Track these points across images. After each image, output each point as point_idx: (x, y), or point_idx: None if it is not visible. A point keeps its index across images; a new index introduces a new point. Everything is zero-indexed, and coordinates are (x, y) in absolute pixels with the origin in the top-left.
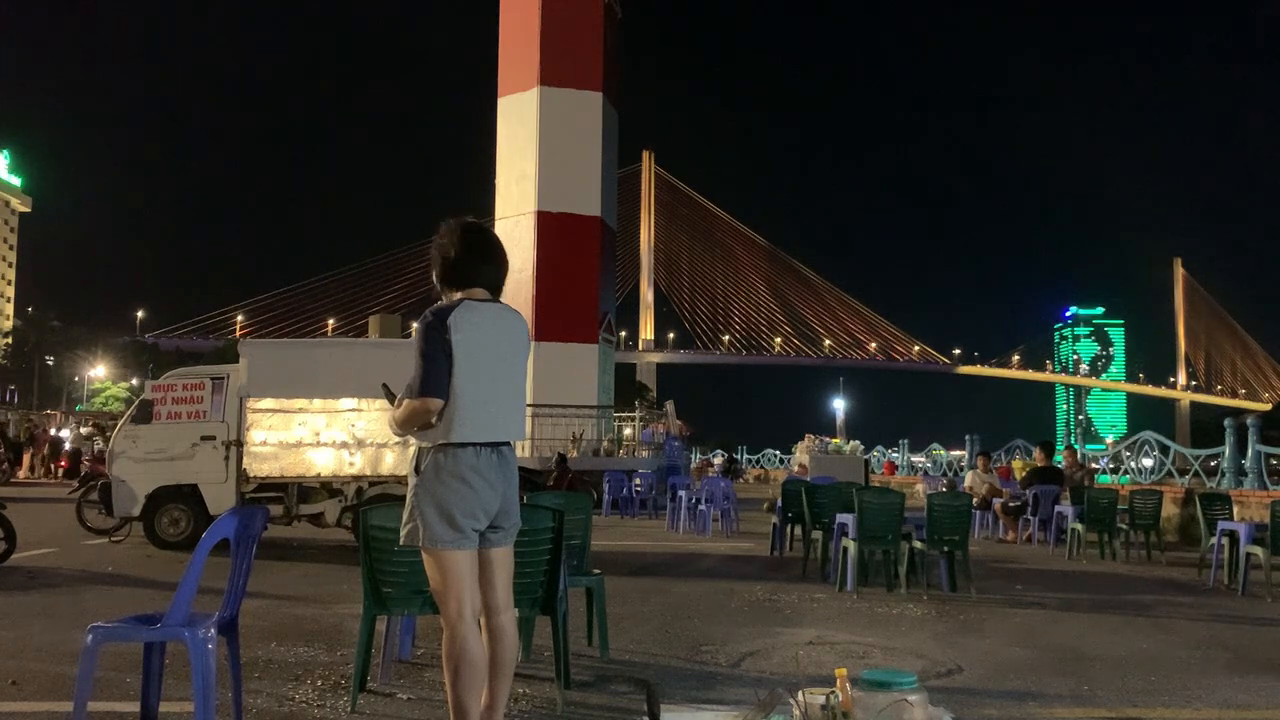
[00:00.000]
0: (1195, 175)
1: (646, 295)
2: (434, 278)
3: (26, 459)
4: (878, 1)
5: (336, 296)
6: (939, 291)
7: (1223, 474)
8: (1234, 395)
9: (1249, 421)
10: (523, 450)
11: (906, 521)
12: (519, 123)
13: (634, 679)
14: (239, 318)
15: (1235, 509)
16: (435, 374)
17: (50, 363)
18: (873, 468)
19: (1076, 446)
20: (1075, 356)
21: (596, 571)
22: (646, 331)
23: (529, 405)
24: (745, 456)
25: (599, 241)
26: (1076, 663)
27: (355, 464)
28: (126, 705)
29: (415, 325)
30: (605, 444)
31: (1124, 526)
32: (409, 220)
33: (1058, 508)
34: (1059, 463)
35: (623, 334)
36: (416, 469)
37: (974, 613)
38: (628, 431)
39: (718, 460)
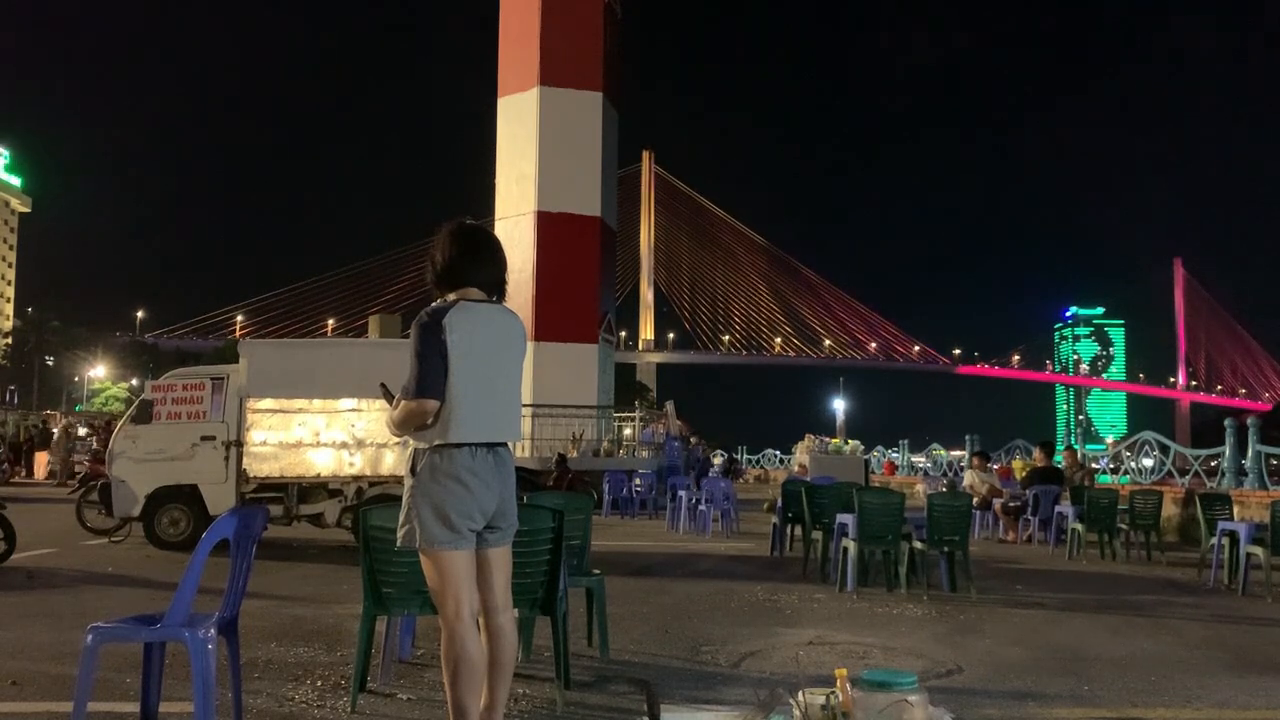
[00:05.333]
0: (1195, 175)
1: (646, 295)
2: (428, 280)
3: (44, 459)
4: (879, 3)
5: (336, 296)
6: (939, 291)
7: (1223, 474)
8: (1234, 395)
9: (1249, 421)
10: (522, 450)
11: (907, 522)
12: (519, 123)
13: (634, 679)
14: (239, 318)
15: (1235, 509)
16: (431, 375)
17: (50, 363)
18: (873, 468)
19: (1076, 446)
20: (1075, 356)
21: (596, 571)
22: (646, 331)
23: (528, 405)
24: (745, 456)
25: (599, 241)
26: (1076, 663)
27: (355, 464)
28: (126, 705)
29: (412, 325)
30: (605, 444)
31: (1124, 526)
32: (409, 220)
33: (1058, 508)
34: (1059, 463)
35: (623, 334)
36: (412, 470)
37: (974, 613)
38: (628, 431)
39: (718, 460)
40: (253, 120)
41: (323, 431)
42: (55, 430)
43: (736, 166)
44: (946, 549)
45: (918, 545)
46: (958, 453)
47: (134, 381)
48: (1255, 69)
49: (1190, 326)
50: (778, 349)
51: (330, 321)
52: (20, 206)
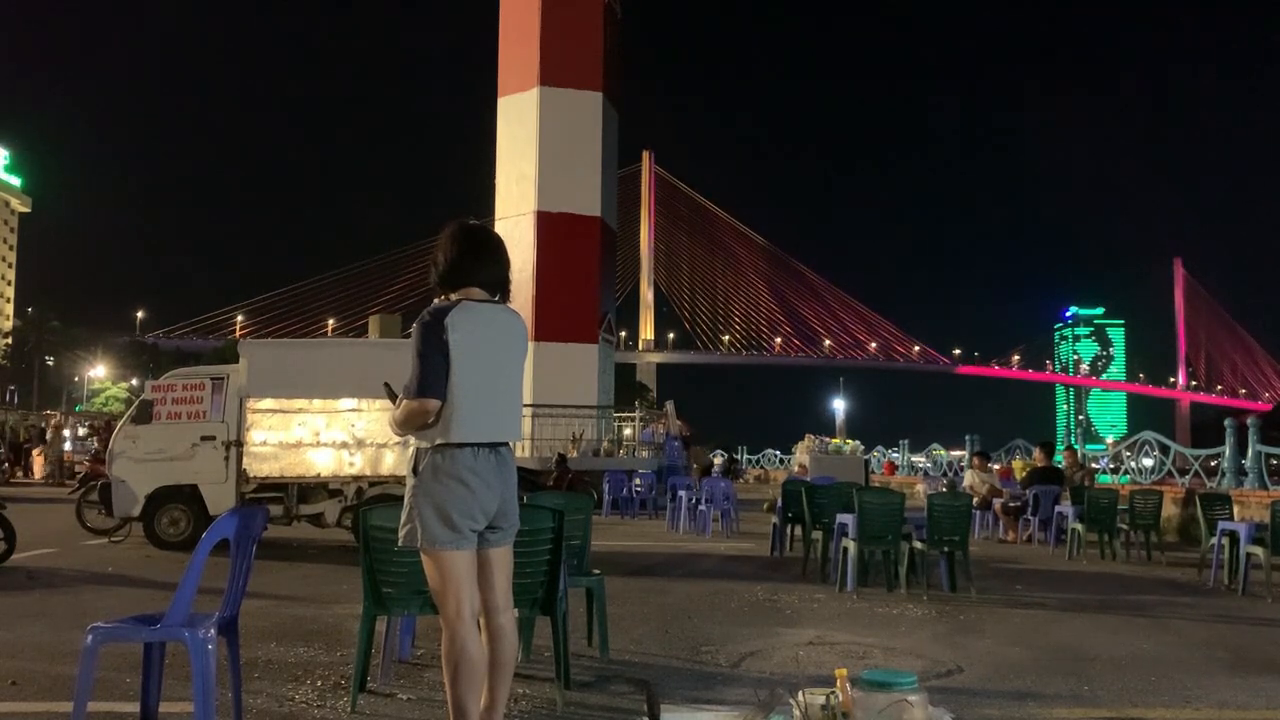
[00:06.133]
0: (1195, 175)
1: (646, 295)
2: (432, 281)
3: (40, 459)
4: (878, 4)
5: (336, 296)
6: (939, 291)
7: (1223, 474)
8: (1234, 395)
9: (1249, 421)
10: (523, 450)
11: (907, 521)
12: (519, 123)
13: (634, 679)
14: (239, 318)
15: (1235, 509)
16: (433, 374)
17: (50, 363)
18: (873, 468)
19: (1076, 446)
20: (1075, 356)
21: (596, 571)
22: (646, 331)
23: (528, 405)
24: (745, 457)
25: (599, 241)
26: (1076, 663)
27: (355, 464)
28: (126, 705)
29: (414, 325)
30: (605, 444)
31: (1124, 526)
32: (409, 220)
33: (1058, 508)
34: (1059, 463)
35: (623, 334)
36: (414, 470)
37: (974, 613)
38: (628, 431)
39: (718, 460)
40: (253, 120)
41: (323, 431)
42: (48, 431)
43: (736, 166)
44: (946, 549)
45: (918, 545)
46: (958, 453)
47: (134, 381)
48: (1255, 69)
49: (1190, 326)
50: (778, 349)
51: (330, 321)
52: (20, 206)
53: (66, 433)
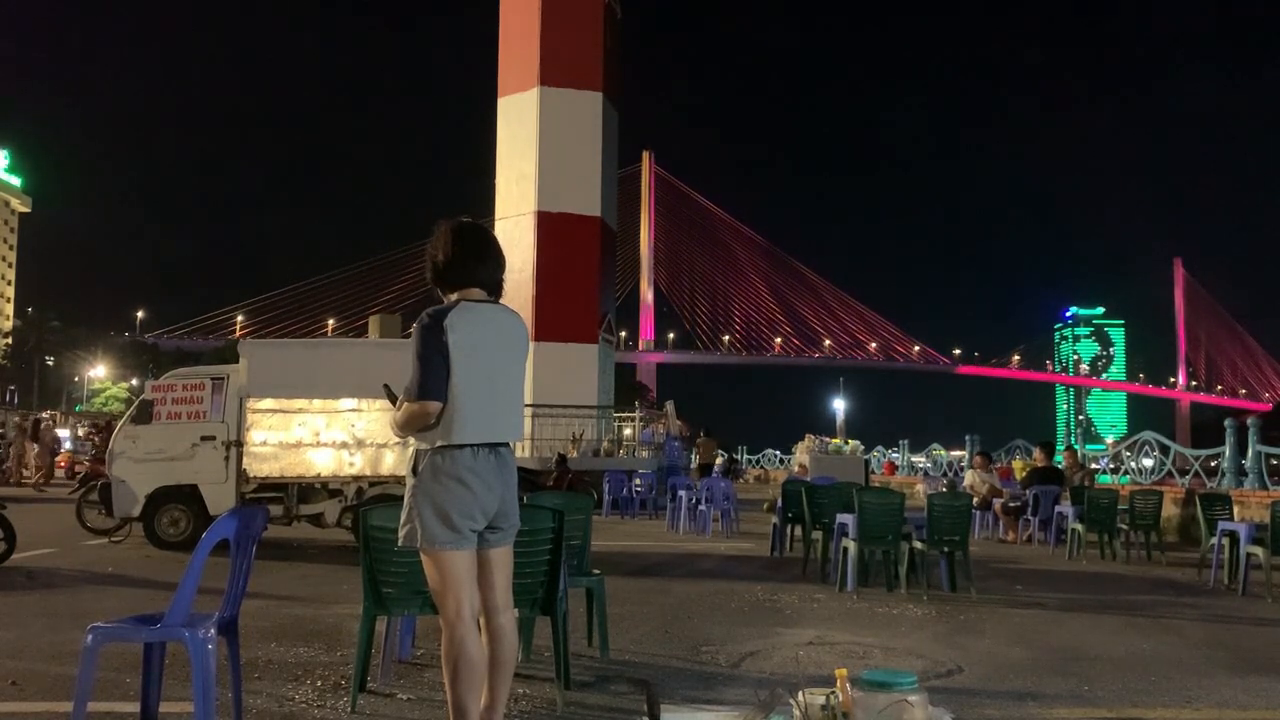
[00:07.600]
0: (1195, 175)
1: (646, 295)
2: (429, 280)
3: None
4: (877, 4)
5: (336, 296)
6: (939, 291)
7: (1223, 474)
8: (1234, 395)
9: (1249, 421)
10: (523, 450)
11: (907, 522)
12: (519, 123)
13: (634, 679)
14: (239, 318)
15: (1235, 509)
16: (433, 376)
17: (50, 363)
18: (873, 468)
19: (1076, 447)
20: (1075, 356)
21: (596, 571)
22: (646, 331)
23: (529, 405)
24: (745, 457)
25: (599, 241)
26: (1076, 663)
27: (355, 464)
28: (126, 705)
29: (413, 327)
30: (605, 444)
31: (1124, 527)
32: (409, 220)
33: (1058, 508)
34: (1059, 463)
35: (623, 334)
36: (414, 470)
37: (974, 613)
38: (628, 431)
39: (718, 460)
40: (253, 120)
41: (323, 431)
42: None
43: (737, 166)
44: (946, 549)
45: (918, 545)
46: (958, 453)
47: (134, 381)
48: (1255, 69)
49: (1190, 326)
50: (778, 349)
51: (330, 321)
52: (20, 206)
53: (66, 433)
